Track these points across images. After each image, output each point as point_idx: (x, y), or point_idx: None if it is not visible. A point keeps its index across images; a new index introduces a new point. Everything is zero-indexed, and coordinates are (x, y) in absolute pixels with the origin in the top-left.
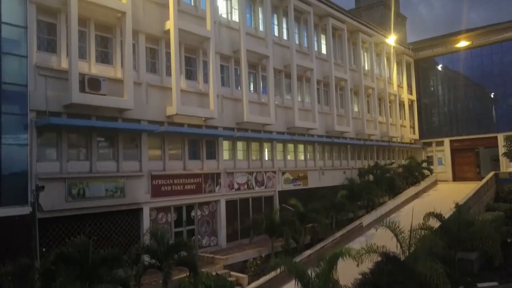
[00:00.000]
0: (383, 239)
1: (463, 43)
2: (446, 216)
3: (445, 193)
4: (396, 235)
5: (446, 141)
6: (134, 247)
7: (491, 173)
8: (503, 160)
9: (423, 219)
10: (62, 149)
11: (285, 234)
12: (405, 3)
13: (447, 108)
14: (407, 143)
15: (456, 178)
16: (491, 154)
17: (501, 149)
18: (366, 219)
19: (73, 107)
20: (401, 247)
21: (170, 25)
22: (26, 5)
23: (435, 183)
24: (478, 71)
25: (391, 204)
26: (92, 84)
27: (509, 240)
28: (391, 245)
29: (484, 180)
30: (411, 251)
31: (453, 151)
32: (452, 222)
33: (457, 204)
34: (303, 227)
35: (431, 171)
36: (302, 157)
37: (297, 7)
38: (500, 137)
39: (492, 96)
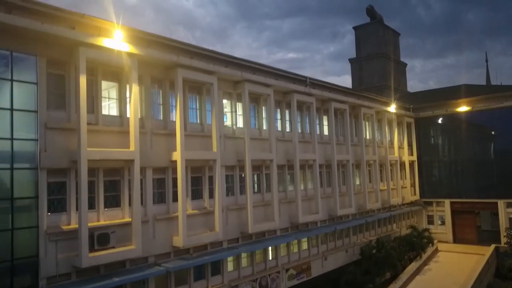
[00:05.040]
0: None
1: (463, 108)
2: None
3: (446, 268)
4: None
5: (447, 202)
6: None
7: (492, 247)
8: (502, 216)
9: None
10: None
11: None
12: (404, 4)
13: (448, 168)
14: (408, 203)
15: (456, 239)
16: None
17: (502, 216)
18: None
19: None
20: None
21: (177, 156)
22: (37, 174)
23: (436, 251)
24: (478, 134)
25: None
26: (101, 239)
27: None
28: None
29: (485, 259)
30: None
31: (454, 212)
32: None
33: None
34: None
35: (432, 242)
36: (306, 247)
37: (300, 100)
38: (501, 203)
39: (492, 160)
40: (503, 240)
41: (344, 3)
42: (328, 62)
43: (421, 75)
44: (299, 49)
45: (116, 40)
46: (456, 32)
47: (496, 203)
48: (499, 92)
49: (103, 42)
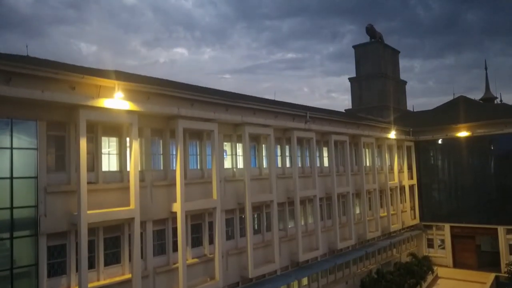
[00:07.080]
0: None
1: (463, 133)
2: None
3: None
4: None
5: (447, 226)
6: None
7: (492, 276)
8: (502, 242)
9: None
10: None
11: None
12: (403, 3)
13: (448, 192)
14: (408, 227)
15: (456, 264)
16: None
17: (502, 242)
18: None
19: None
20: None
21: (177, 208)
22: (37, 241)
23: (436, 278)
24: (478, 158)
25: None
26: None
27: None
28: None
29: None
30: None
31: (454, 236)
32: None
33: None
34: None
35: (432, 270)
36: (306, 282)
37: (299, 136)
38: (501, 230)
39: (492, 185)
40: (503, 268)
41: (344, 3)
42: (327, 62)
43: (420, 75)
44: (298, 49)
45: (116, 99)
46: (456, 32)
47: (496, 229)
48: (500, 119)
49: (104, 103)
